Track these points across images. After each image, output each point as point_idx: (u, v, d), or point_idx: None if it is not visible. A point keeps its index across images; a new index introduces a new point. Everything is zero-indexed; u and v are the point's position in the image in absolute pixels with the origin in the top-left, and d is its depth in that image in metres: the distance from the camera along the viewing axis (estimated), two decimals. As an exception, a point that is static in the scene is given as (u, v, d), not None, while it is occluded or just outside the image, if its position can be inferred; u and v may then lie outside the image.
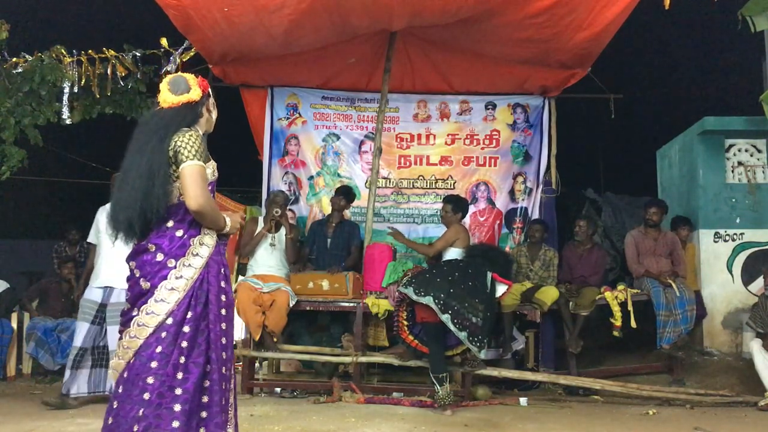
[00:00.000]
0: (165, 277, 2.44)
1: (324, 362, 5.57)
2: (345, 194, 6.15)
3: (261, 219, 5.92)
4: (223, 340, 2.48)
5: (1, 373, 6.09)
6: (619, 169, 10.45)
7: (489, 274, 4.92)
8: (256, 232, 5.75)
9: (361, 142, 6.98)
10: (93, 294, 4.68)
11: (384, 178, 6.81)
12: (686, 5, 5.22)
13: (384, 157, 6.56)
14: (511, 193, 6.91)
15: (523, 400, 5.04)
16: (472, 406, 4.92)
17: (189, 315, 2.42)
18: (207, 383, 2.42)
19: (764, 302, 5.20)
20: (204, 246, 2.51)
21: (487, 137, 6.95)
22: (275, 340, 5.33)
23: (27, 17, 6.03)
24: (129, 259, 2.52)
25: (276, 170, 6.93)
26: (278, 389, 5.42)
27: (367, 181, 6.69)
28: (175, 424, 2.30)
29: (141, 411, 2.30)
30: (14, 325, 6.28)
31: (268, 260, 5.68)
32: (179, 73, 2.75)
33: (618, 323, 5.59)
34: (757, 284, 6.04)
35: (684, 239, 6.26)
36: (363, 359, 5.25)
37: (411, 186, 6.94)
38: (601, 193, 9.64)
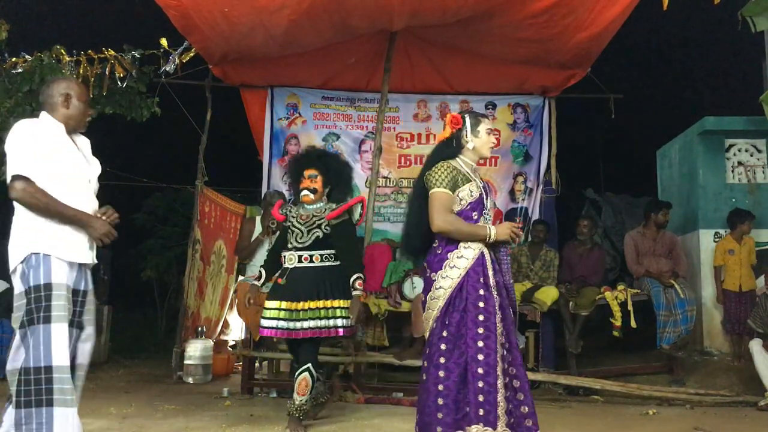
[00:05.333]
0: (430, 289, 2.88)
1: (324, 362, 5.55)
2: None
3: (258, 220, 5.86)
4: (480, 344, 2.75)
5: (1, 373, 6.07)
6: (619, 169, 10.45)
7: None
8: (254, 236, 5.70)
9: (362, 142, 6.98)
10: None
11: (384, 177, 6.81)
12: (686, 5, 5.22)
13: (384, 156, 6.56)
14: (511, 193, 6.92)
15: (523, 400, 5.03)
16: (472, 406, 4.90)
17: (447, 321, 2.79)
18: (466, 382, 2.74)
19: (764, 302, 5.20)
20: (462, 258, 2.85)
21: (488, 137, 6.95)
22: (275, 340, 5.31)
23: (27, 17, 6.03)
24: None
25: (276, 170, 6.93)
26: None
27: (367, 181, 6.68)
28: (439, 415, 2.69)
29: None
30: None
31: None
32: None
33: (618, 323, 5.59)
34: (758, 284, 6.03)
35: (747, 233, 6.03)
36: (363, 359, 5.24)
37: (411, 185, 6.93)
38: (601, 193, 9.64)
